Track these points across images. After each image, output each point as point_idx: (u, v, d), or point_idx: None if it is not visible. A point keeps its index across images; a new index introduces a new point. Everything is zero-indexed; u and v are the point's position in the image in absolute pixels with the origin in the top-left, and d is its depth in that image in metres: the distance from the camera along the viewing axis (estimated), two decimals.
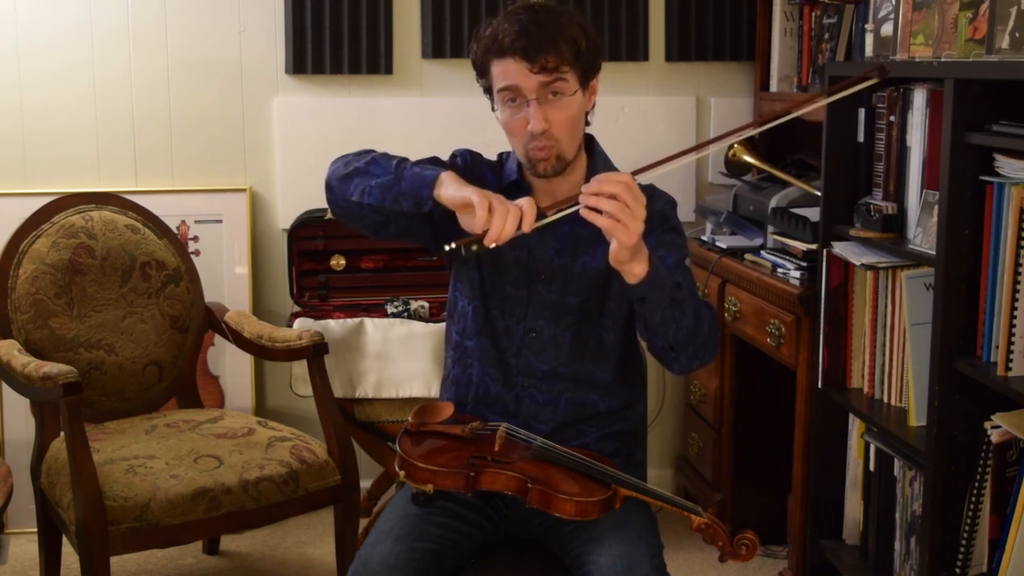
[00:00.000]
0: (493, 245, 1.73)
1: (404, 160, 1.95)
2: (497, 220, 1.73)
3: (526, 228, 1.74)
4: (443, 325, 2.31)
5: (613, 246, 1.73)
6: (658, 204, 2.01)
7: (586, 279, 1.97)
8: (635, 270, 1.79)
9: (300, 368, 2.97)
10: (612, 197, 1.70)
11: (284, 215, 3.48)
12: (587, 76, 1.94)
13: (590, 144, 2.05)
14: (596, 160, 2.03)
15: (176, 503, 2.50)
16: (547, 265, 2.00)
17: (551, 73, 1.86)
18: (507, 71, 1.88)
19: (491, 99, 1.97)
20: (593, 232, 1.88)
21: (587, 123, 2.02)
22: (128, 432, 2.82)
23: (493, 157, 2.12)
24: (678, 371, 2.00)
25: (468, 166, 2.06)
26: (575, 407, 2.03)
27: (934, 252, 2.28)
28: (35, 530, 2.84)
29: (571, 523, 1.93)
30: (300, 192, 3.47)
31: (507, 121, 1.93)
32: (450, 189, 1.82)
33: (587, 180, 1.90)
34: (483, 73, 1.95)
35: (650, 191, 2.01)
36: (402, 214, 1.90)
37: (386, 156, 1.96)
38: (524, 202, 1.75)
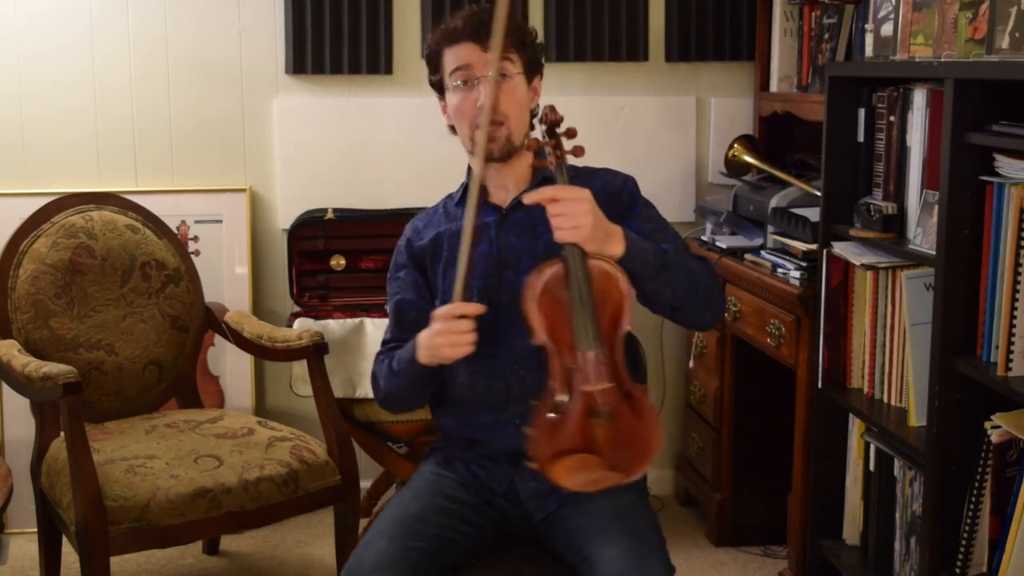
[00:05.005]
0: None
1: (391, 366, 2.10)
2: (457, 340, 1.92)
3: (475, 310, 1.94)
4: None
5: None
6: (619, 181, 2.13)
7: (551, 254, 1.96)
8: (610, 251, 1.89)
9: (300, 368, 2.97)
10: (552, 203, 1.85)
11: (284, 215, 3.48)
12: (531, 70, 2.09)
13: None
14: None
15: (176, 503, 2.50)
16: (511, 252, 2.06)
17: (501, 52, 1.98)
18: (459, 54, 2.05)
19: (441, 96, 2.12)
20: (544, 211, 1.94)
21: (531, 122, 2.12)
22: (128, 432, 2.82)
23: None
24: (692, 327, 2.13)
25: (410, 236, 2.19)
26: None
27: (934, 252, 2.28)
28: (35, 530, 2.84)
29: (576, 518, 1.94)
30: (300, 192, 3.48)
31: (458, 104, 2.06)
32: (424, 359, 2.00)
33: (532, 169, 2.10)
34: (436, 67, 2.10)
35: (605, 171, 2.15)
36: (434, 374, 2.05)
37: (384, 375, 2.13)
38: (457, 308, 1.94)
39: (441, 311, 1.95)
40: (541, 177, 2.09)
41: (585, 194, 1.85)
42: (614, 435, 1.89)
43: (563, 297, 1.89)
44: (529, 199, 1.87)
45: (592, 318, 1.88)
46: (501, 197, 2.12)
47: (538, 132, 2.01)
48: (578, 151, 1.92)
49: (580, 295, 1.87)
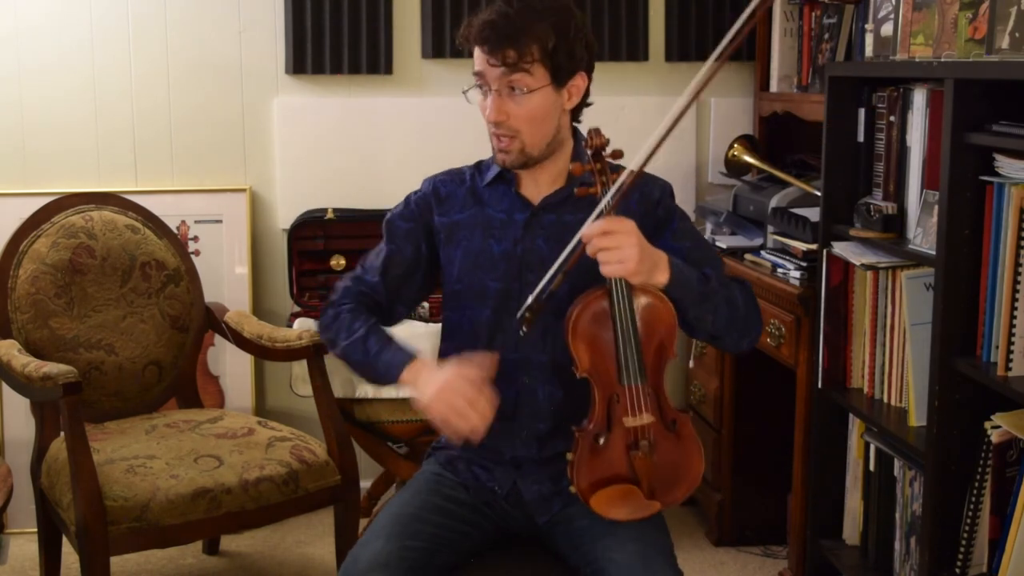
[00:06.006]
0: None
1: (367, 341, 2.00)
2: (470, 422, 1.83)
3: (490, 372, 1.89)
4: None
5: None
6: (657, 193, 2.05)
7: (577, 264, 1.92)
8: (656, 281, 1.86)
9: (300, 368, 2.97)
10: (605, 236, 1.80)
11: (284, 215, 3.48)
12: (561, 74, 1.93)
13: (575, 131, 2.06)
14: (581, 147, 2.02)
15: (176, 503, 2.50)
16: (536, 255, 1.99)
17: (511, 67, 1.89)
18: (477, 58, 1.93)
19: None
20: (580, 220, 1.90)
21: (577, 119, 2.04)
22: (128, 432, 2.82)
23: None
24: (729, 351, 2.09)
25: (428, 194, 2.08)
26: (575, 405, 1.98)
27: (934, 252, 2.28)
28: (35, 530, 2.84)
29: (580, 519, 1.94)
30: (300, 192, 3.48)
31: (480, 106, 1.97)
32: (420, 392, 1.90)
33: (568, 172, 1.99)
34: (470, 54, 1.97)
35: (643, 179, 2.05)
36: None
37: (353, 338, 2.01)
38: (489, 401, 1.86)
39: (476, 373, 1.87)
40: (578, 182, 1.95)
41: (631, 227, 1.81)
42: (655, 466, 1.90)
43: (607, 330, 1.87)
44: (584, 236, 1.81)
45: (636, 352, 1.86)
46: (532, 191, 2.03)
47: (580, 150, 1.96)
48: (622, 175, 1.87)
49: (624, 329, 1.85)
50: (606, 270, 1.81)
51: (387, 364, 1.96)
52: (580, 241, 1.83)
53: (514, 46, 1.88)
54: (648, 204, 2.03)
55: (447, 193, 2.07)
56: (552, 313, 1.95)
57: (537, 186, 2.02)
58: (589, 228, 1.82)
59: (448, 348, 2.10)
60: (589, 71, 1.99)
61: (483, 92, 1.94)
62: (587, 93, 2.01)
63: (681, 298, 1.89)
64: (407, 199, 2.10)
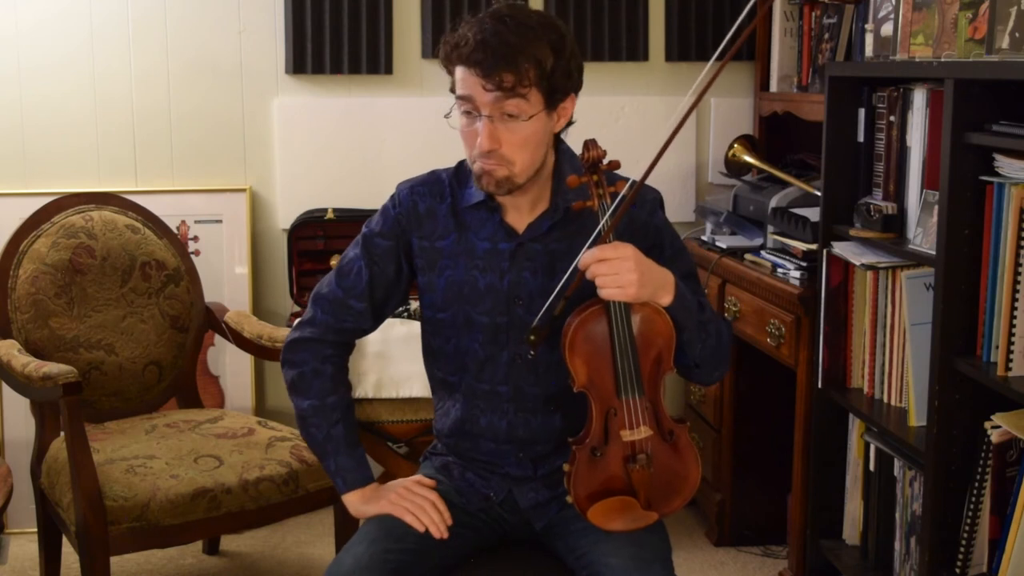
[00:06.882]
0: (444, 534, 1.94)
1: (335, 427, 2.01)
2: (424, 517, 1.94)
3: (446, 520, 1.96)
4: None
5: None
6: (644, 213, 1.95)
7: (578, 288, 1.89)
8: (658, 301, 1.83)
9: None
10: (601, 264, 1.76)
11: (284, 215, 3.49)
12: (554, 97, 1.83)
13: (558, 144, 1.95)
14: (562, 159, 1.94)
15: (176, 503, 2.50)
16: (523, 288, 1.93)
17: (507, 92, 1.77)
18: (465, 80, 1.80)
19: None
20: (567, 247, 1.88)
21: (559, 139, 1.95)
22: (128, 432, 2.82)
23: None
24: (698, 383, 2.05)
25: (408, 210, 1.98)
26: (573, 429, 1.94)
27: (934, 252, 2.28)
28: (35, 530, 2.85)
29: (578, 520, 1.93)
30: (300, 192, 3.48)
31: (462, 130, 1.85)
32: (357, 510, 2.01)
33: (554, 184, 1.92)
34: (450, 73, 1.86)
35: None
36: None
37: (318, 420, 2.02)
38: (429, 496, 1.98)
39: (412, 482, 2.01)
40: (565, 201, 1.90)
41: (628, 252, 1.76)
42: (653, 478, 1.88)
43: (604, 344, 1.83)
44: (581, 264, 1.77)
45: (634, 366, 1.83)
46: (515, 218, 1.93)
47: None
48: (620, 186, 1.81)
49: (622, 343, 1.81)
50: (604, 294, 1.77)
51: (342, 468, 2.01)
52: (578, 268, 1.79)
53: (511, 69, 1.75)
54: (635, 228, 1.92)
55: (427, 210, 1.96)
56: (545, 342, 1.90)
57: (519, 212, 1.93)
58: (585, 256, 1.77)
59: (434, 371, 2.07)
60: (578, 92, 1.91)
61: (469, 116, 1.82)
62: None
63: (680, 321, 1.85)
64: (384, 212, 2.00)
